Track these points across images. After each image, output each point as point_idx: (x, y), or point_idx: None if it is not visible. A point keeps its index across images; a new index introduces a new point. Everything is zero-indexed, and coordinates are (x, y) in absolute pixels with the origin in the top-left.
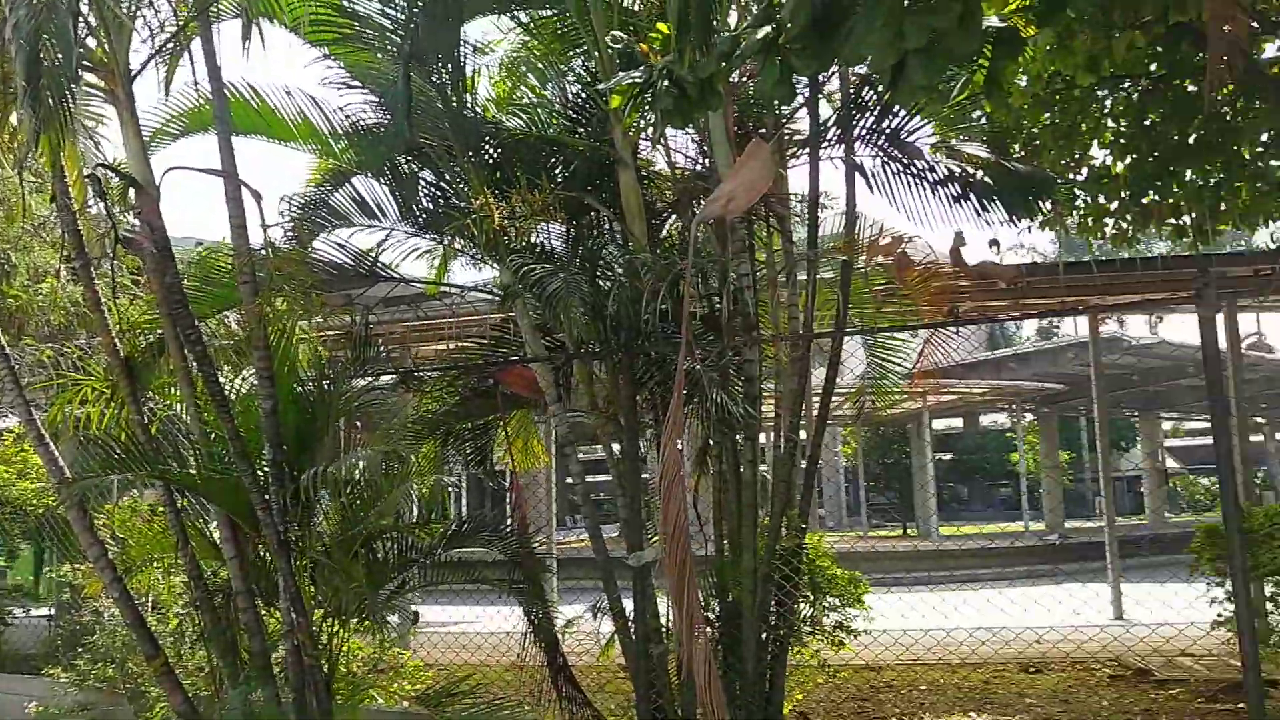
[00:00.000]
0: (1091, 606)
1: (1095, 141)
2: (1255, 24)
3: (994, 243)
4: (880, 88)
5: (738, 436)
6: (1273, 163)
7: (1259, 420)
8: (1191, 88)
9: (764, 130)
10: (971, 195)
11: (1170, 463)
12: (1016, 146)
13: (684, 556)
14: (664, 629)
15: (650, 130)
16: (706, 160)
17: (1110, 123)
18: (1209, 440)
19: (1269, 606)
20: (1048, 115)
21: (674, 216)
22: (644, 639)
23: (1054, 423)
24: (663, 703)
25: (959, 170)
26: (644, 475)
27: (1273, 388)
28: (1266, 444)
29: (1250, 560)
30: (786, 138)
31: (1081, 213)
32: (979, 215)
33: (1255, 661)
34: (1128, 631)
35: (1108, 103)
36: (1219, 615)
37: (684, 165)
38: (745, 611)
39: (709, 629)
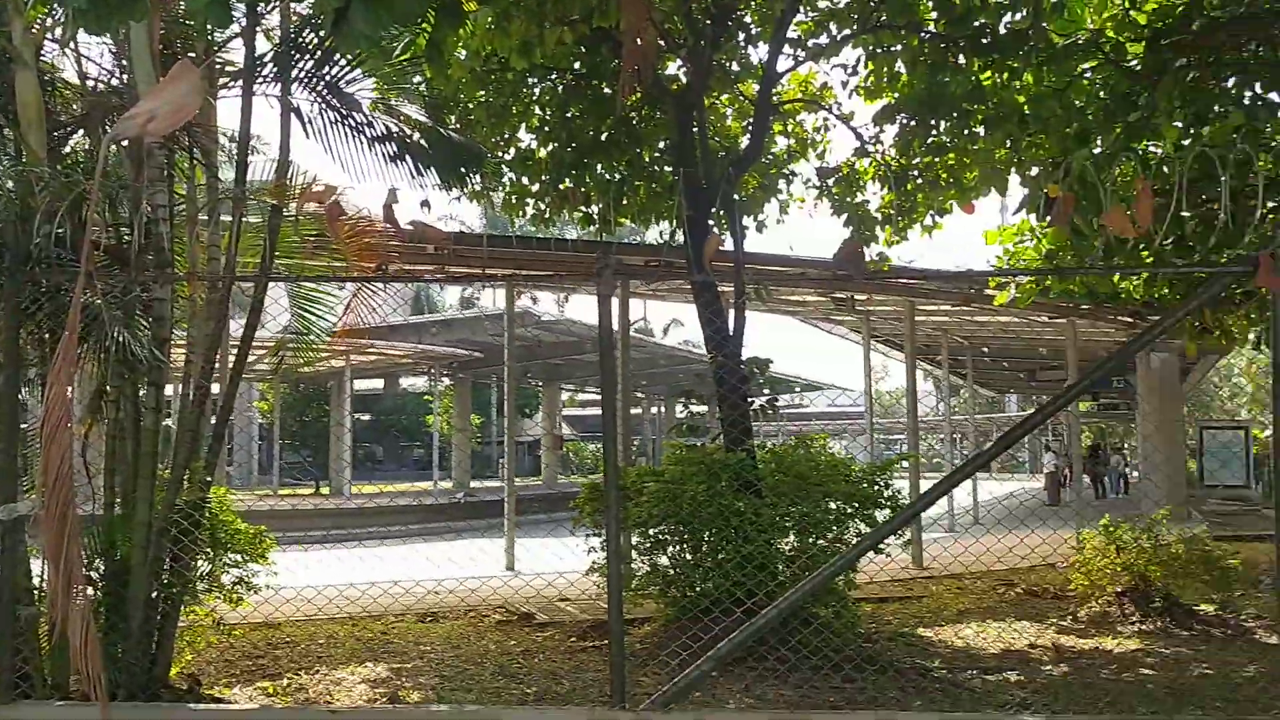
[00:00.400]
0: (490, 558)
1: (524, 125)
2: (663, 42)
3: (425, 204)
4: (323, 32)
5: (141, 381)
6: (667, 169)
7: (639, 395)
8: (607, 90)
9: (194, 55)
10: (408, 157)
11: (565, 429)
12: (453, 118)
13: (65, 509)
14: (36, 590)
15: (60, 30)
16: (126, 77)
17: (538, 110)
18: (599, 410)
19: (634, 554)
20: (483, 92)
21: (82, 132)
22: (12, 601)
23: (468, 388)
24: (29, 670)
25: (397, 130)
26: (23, 425)
27: (651, 367)
28: (643, 415)
29: (621, 514)
30: (219, 66)
31: (507, 190)
32: (414, 178)
33: (619, 602)
34: (518, 578)
35: (537, 90)
36: (594, 562)
37: (98, 77)
38: (135, 568)
39: (91, 588)
